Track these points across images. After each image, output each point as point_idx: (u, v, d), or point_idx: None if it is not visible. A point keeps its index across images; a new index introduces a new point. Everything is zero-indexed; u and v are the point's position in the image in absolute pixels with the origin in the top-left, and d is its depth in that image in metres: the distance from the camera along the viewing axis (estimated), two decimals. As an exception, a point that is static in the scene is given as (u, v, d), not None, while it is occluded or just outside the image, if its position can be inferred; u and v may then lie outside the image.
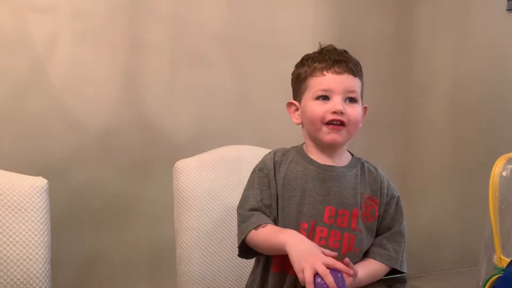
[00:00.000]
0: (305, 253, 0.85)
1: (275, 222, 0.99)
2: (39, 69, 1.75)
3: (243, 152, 1.35)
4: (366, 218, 0.99)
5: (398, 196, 1.04)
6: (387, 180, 1.04)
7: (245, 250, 0.99)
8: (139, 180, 1.91)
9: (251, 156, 1.18)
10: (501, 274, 0.53)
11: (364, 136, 2.19)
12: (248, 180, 1.04)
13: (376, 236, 1.02)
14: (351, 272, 0.84)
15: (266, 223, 0.95)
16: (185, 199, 1.25)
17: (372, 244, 1.00)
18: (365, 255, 1.00)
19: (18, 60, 1.71)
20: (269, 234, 0.93)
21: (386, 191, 1.02)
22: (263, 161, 1.03)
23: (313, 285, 0.79)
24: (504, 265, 0.55)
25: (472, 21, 1.93)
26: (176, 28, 1.92)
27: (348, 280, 0.85)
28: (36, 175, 1.08)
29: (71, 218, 1.81)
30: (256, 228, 0.94)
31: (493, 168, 0.60)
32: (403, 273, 1.00)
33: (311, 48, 1.09)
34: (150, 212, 1.93)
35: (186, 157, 1.31)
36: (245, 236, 0.96)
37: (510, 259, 0.55)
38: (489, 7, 1.84)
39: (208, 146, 1.50)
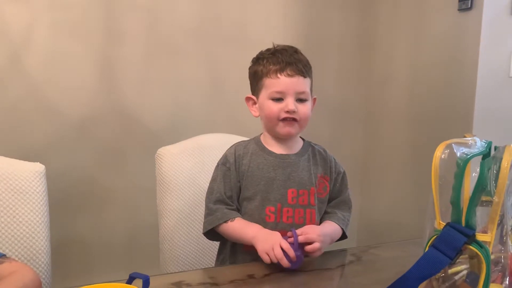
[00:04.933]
0: (267, 239, 1.01)
1: (238, 210, 1.13)
2: (16, 59, 1.75)
3: (220, 140, 1.44)
4: (320, 193, 1.14)
5: (344, 172, 1.20)
6: (334, 159, 1.20)
7: (211, 235, 1.13)
8: (116, 167, 1.93)
9: (228, 143, 1.26)
10: (438, 234, 0.68)
11: (328, 126, 2.32)
12: (213, 174, 1.16)
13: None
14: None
15: (234, 217, 1.09)
16: (167, 183, 1.33)
17: (324, 212, 1.17)
18: (321, 220, 1.16)
19: (-6, 50, 1.74)
20: (238, 228, 1.08)
21: (334, 169, 1.18)
22: (225, 156, 1.16)
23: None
24: (441, 227, 0.70)
25: (427, 20, 2.03)
26: (152, 19, 1.94)
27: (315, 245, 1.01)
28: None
29: (49, 203, 1.86)
30: (226, 221, 1.08)
31: (435, 152, 0.74)
32: (346, 238, 1.15)
33: (280, 41, 1.19)
34: (126, 198, 1.98)
35: (161, 144, 1.39)
36: (211, 228, 1.09)
37: (445, 223, 0.70)
38: (443, 7, 1.94)
39: (183, 133, 1.56)
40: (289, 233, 1.01)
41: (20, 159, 1.13)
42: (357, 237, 2.39)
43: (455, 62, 1.90)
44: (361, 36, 2.37)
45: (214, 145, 1.42)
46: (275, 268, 0.99)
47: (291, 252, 0.96)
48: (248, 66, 1.18)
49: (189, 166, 1.37)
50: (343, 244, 1.17)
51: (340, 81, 2.35)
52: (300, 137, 1.19)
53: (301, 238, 1.00)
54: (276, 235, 1.01)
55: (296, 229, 1.02)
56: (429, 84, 2.03)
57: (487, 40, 1.78)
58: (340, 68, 2.35)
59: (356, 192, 2.37)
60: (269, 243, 0.99)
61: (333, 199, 1.19)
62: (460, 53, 1.88)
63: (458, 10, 1.87)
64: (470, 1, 1.82)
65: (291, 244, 0.98)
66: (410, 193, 2.13)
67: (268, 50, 1.15)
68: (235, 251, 1.15)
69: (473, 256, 0.69)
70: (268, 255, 0.98)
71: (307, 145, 1.19)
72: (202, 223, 1.33)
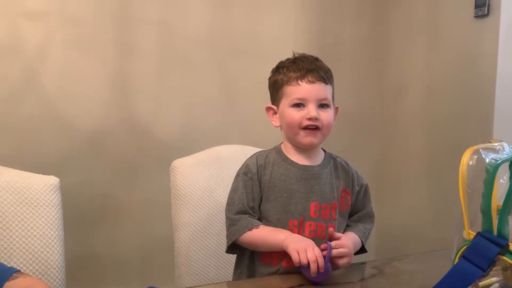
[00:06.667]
0: (301, 240, 0.98)
1: (259, 220, 1.09)
2: (31, 74, 1.77)
3: (235, 151, 1.43)
4: (341, 207, 1.11)
5: (366, 184, 1.17)
6: (356, 172, 1.16)
7: (233, 247, 1.09)
8: (130, 180, 1.92)
9: (243, 154, 1.25)
10: (469, 244, 0.65)
11: (343, 135, 2.29)
12: (233, 184, 1.12)
13: (348, 218, 1.15)
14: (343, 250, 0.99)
15: (258, 225, 1.05)
16: (182, 196, 1.31)
17: (346, 225, 1.13)
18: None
19: (11, 65, 1.73)
20: (266, 234, 1.04)
21: (356, 182, 1.14)
22: (246, 166, 1.12)
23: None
24: (472, 237, 0.66)
25: (442, 28, 2.00)
26: (164, 33, 1.95)
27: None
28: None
29: (63, 218, 1.85)
30: (250, 229, 1.04)
31: (462, 159, 0.71)
32: (365, 251, 1.12)
33: (292, 52, 1.16)
34: (141, 211, 1.97)
35: (174, 156, 1.37)
36: (236, 238, 1.05)
37: (476, 232, 0.67)
38: (458, 14, 1.91)
39: (196, 146, 1.54)
40: (322, 246, 0.98)
41: (34, 173, 1.12)
42: (375, 248, 2.34)
43: (472, 70, 1.87)
44: (374, 44, 2.35)
45: (229, 157, 1.41)
46: (293, 281, 0.96)
47: (321, 260, 0.93)
48: (262, 77, 1.16)
49: (204, 177, 1.35)
50: (363, 255, 1.14)
51: (354, 91, 2.33)
52: (321, 148, 1.17)
53: (334, 252, 0.98)
54: (310, 240, 0.99)
55: (320, 243, 1.00)
56: (445, 93, 2.01)
57: (505, 47, 1.75)
58: (353, 78, 2.34)
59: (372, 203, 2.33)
60: (303, 244, 0.97)
61: (356, 212, 1.16)
62: (477, 60, 1.85)
63: (474, 17, 1.84)
64: (486, 8, 1.79)
65: (323, 257, 0.95)
66: (428, 203, 2.09)
67: (288, 59, 1.12)
68: (253, 264, 1.12)
69: (506, 268, 0.65)
70: (299, 255, 0.95)
71: (329, 157, 1.16)
72: (218, 236, 1.33)
